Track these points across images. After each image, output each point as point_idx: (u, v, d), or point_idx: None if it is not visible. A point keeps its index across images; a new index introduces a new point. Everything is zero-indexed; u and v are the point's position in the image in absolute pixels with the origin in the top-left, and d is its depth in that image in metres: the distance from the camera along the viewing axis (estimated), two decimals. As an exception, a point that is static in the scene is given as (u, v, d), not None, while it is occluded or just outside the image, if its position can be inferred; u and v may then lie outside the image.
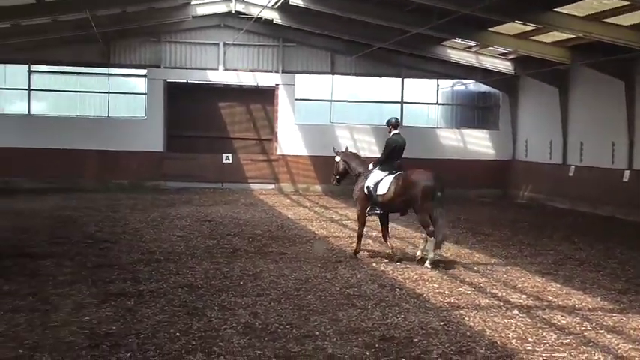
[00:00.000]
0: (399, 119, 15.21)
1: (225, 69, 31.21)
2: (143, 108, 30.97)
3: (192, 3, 28.45)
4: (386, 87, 32.50)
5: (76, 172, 29.96)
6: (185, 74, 31.24)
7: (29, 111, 30.40)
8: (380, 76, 32.26)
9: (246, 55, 31.47)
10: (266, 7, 25.91)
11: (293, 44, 31.48)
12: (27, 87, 30.40)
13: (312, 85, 32.13)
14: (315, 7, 25.09)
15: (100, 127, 30.31)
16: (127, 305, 10.08)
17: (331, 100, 32.12)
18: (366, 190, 14.60)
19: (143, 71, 30.92)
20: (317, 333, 8.95)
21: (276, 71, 31.48)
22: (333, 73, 31.96)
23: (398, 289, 11.62)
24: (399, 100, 32.32)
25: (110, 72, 31.16)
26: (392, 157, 14.67)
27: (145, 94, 30.97)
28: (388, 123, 14.97)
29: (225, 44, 31.00)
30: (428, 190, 14.01)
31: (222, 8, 29.66)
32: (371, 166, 14.94)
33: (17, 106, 30.68)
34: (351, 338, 8.75)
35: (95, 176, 30.08)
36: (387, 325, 9.44)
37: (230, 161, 31.11)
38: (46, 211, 21.45)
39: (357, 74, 32.07)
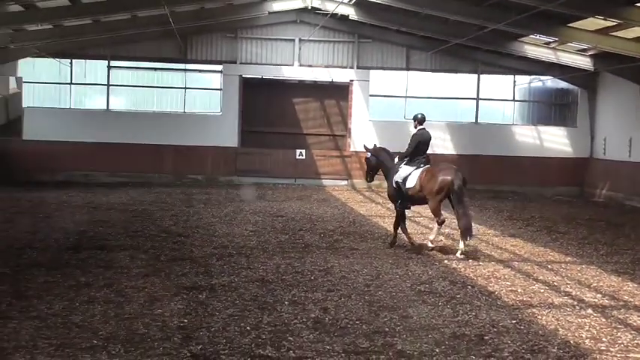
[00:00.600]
0: (425, 115, 15.68)
1: (300, 65, 31.31)
2: (218, 103, 31.28)
3: (268, -1, 28.66)
4: (461, 83, 32.19)
5: (153, 167, 30.49)
6: (260, 70, 31.44)
7: (108, 106, 30.99)
8: (456, 72, 31.97)
9: (322, 51, 31.53)
10: (342, 2, 25.89)
11: (368, 40, 31.42)
12: (106, 82, 30.99)
13: (387, 81, 32.00)
14: (391, 3, 25.03)
15: (176, 122, 30.72)
16: (198, 299, 10.20)
17: (406, 97, 31.95)
18: (394, 185, 15.15)
19: (219, 67, 31.22)
20: (387, 329, 8.92)
21: (351, 67, 31.46)
22: (408, 69, 31.79)
23: (469, 287, 11.51)
24: (475, 97, 31.99)
25: (187, 68, 31.54)
26: (418, 151, 15.21)
27: (220, 89, 31.28)
28: (414, 118, 15.63)
29: (300, 40, 31.09)
30: (444, 183, 14.46)
31: (298, 4, 29.75)
32: (396, 160, 15.54)
33: (96, 101, 31.30)
34: (421, 335, 8.70)
35: (171, 171, 30.55)
36: (458, 322, 9.36)
37: (303, 157, 31.22)
38: (122, 204, 21.84)
39: (432, 70, 31.86)
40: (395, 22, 28.59)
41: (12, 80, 30.56)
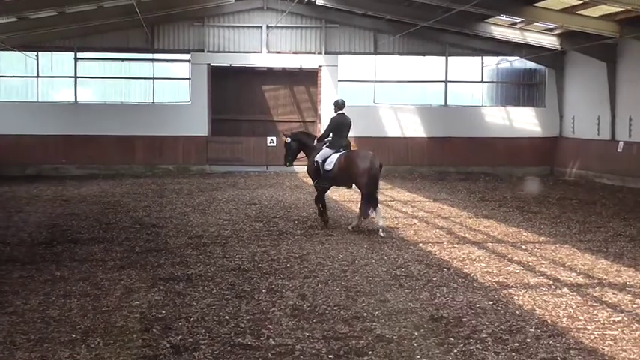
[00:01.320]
0: (344, 101, 16.48)
1: (269, 52, 31.23)
2: (187, 93, 31.15)
3: (234, -14, 28.54)
4: (430, 66, 32.28)
5: (123, 158, 30.33)
6: (228, 58, 31.31)
7: (76, 98, 30.74)
8: (424, 55, 32.05)
9: (289, 37, 31.46)
10: (308, -12, 25.90)
11: (336, 25, 31.40)
12: (73, 74, 30.73)
13: (356, 65, 32.01)
14: (357, -13, 25.05)
15: (146, 113, 30.56)
16: (176, 289, 10.18)
17: (375, 81, 31.99)
18: (314, 164, 15.92)
19: (187, 56, 31.07)
20: (365, 314, 8.96)
21: (319, 53, 31.42)
22: (376, 53, 31.81)
23: (445, 269, 11.58)
24: (444, 79, 32.09)
25: (154, 57, 31.35)
26: (337, 135, 15.93)
27: (188, 79, 31.13)
28: (334, 103, 16.29)
29: (268, 27, 31.00)
30: (365, 169, 15.12)
31: (264, -9, 29.70)
32: (315, 142, 16.44)
33: (64, 93, 31.04)
34: (400, 319, 8.75)
35: (141, 162, 30.41)
36: (436, 305, 9.42)
37: (274, 144, 31.16)
38: (94, 197, 21.72)
39: (400, 54, 31.91)
40: (361, 6, 28.63)
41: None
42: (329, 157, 15.76)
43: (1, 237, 14.49)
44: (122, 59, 31.36)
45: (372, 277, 10.98)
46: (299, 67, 31.80)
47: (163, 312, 9.03)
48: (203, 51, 30.96)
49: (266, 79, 32.88)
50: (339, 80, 31.41)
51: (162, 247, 13.45)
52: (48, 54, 30.81)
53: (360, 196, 15.64)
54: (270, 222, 16.75)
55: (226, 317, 8.81)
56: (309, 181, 27.19)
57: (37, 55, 30.46)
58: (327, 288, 10.30)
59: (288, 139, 16.92)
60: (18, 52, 29.50)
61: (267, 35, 31.05)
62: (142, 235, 14.81)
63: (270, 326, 8.45)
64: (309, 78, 32.24)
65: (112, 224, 16.33)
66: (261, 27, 31.12)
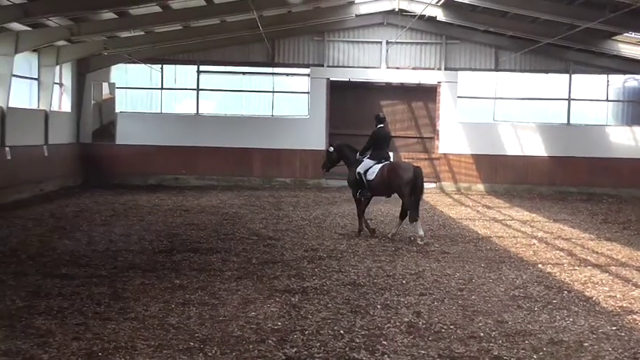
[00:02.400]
0: (384, 115, 18.25)
1: (388, 67, 31.22)
2: (306, 106, 31.43)
3: (355, 2, 28.62)
4: (552, 83, 31.60)
5: (241, 170, 30.84)
6: (347, 73, 31.45)
7: (197, 110, 31.46)
8: (546, 73, 31.40)
9: (409, 52, 31.38)
10: (429, 4, 25.70)
11: (456, 41, 31.14)
12: (195, 87, 31.48)
13: (475, 82, 31.63)
14: (479, 4, 24.79)
15: (265, 126, 30.94)
16: (291, 302, 10.27)
17: (495, 98, 31.56)
18: (357, 176, 17.02)
19: (306, 70, 31.37)
20: (482, 334, 8.83)
21: (439, 69, 31.22)
22: (496, 70, 31.37)
23: (566, 292, 11.30)
24: (566, 97, 31.38)
25: (274, 71, 31.78)
26: (378, 147, 17.17)
27: (307, 92, 31.43)
28: (376, 117, 17.53)
29: (387, 42, 31.01)
30: (408, 180, 16.31)
31: (385, 6, 29.66)
32: (358, 155, 17.40)
33: (186, 105, 31.80)
34: (518, 341, 8.58)
35: (259, 174, 30.83)
36: (555, 328, 9.20)
37: (391, 159, 31.07)
38: (213, 207, 22.14)
39: (521, 71, 31.37)
40: (483, 22, 28.29)
41: (105, 86, 31.38)
42: (371, 167, 16.87)
43: (123, 245, 14.94)
44: (243, 73, 31.90)
45: (489, 297, 10.81)
46: (418, 82, 31.68)
47: (279, 324, 9.11)
48: (322, 65, 31.22)
49: (384, 94, 32.85)
50: (458, 97, 31.13)
51: (279, 260, 13.60)
52: (172, 67, 31.62)
53: (402, 205, 16.79)
54: (386, 237, 16.71)
55: (341, 332, 8.83)
56: (425, 196, 27.06)
57: (161, 68, 31.34)
58: (443, 306, 10.20)
59: (332, 149, 18.13)
60: (143, 65, 30.43)
61: (387, 51, 31.05)
62: (259, 247, 15.02)
63: (385, 342, 8.42)
64: (427, 94, 32.06)
65: (229, 235, 16.62)
66: (380, 42, 31.16)
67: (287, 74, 31.94)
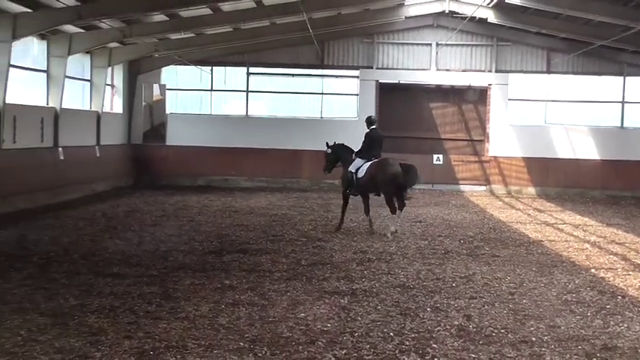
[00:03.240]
0: (374, 117, 18.77)
1: (438, 69, 31.09)
2: (355, 108, 31.40)
3: (405, 4, 28.55)
4: (605, 86, 31.17)
5: (290, 172, 30.94)
6: (397, 75, 31.36)
7: (247, 112, 31.62)
8: (599, 75, 31.01)
9: (459, 54, 31.22)
10: (480, 5, 25.54)
11: (507, 43, 30.90)
12: (245, 89, 31.65)
13: (527, 84, 31.35)
14: (531, 5, 24.56)
15: (314, 128, 30.95)
16: (340, 303, 10.26)
17: (546, 100, 31.24)
18: (349, 175, 17.80)
19: (356, 72, 31.36)
20: (534, 339, 8.74)
21: (489, 71, 31.01)
22: (548, 72, 31.07)
23: (620, 297, 11.13)
24: (620, 100, 30.94)
25: (324, 73, 31.81)
26: (371, 148, 17.81)
27: (357, 94, 31.41)
28: (367, 120, 18.29)
29: (437, 44, 30.88)
30: (391, 175, 16.99)
31: (435, 8, 29.52)
32: (354, 155, 18.12)
33: (236, 106, 31.99)
34: (571, 346, 8.48)
35: (308, 176, 30.85)
36: (609, 334, 9.07)
37: (441, 162, 30.99)
38: (262, 208, 22.25)
39: (574, 73, 31.01)
40: (535, 24, 28.02)
41: (156, 87, 31.79)
42: (361, 166, 17.60)
43: (174, 245, 15.07)
44: (292, 74, 31.99)
45: (540, 302, 10.70)
46: (468, 85, 31.49)
47: (328, 325, 9.11)
48: (372, 67, 31.19)
49: (434, 96, 32.69)
50: (509, 99, 30.90)
51: (328, 261, 13.60)
52: (221, 68, 31.83)
53: (385, 200, 17.42)
54: (435, 240, 16.66)
55: (391, 334, 8.80)
56: (475, 199, 26.95)
57: (211, 70, 31.57)
58: (494, 310, 10.12)
59: (329, 150, 18.89)
60: (194, 67, 30.68)
61: (437, 53, 30.92)
62: (308, 249, 15.05)
63: (435, 345, 8.38)
64: (478, 96, 31.86)
65: (278, 236, 16.68)
66: (430, 44, 31.04)
67: (336, 76, 31.96)
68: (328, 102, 31.91)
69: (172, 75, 31.67)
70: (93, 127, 26.78)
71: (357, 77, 31.32)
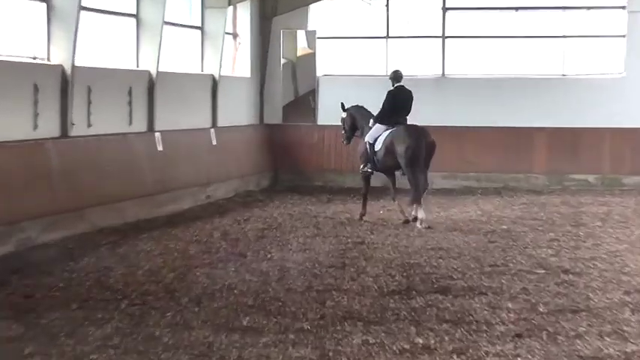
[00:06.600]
0: (401, 71, 20.40)
1: None
2: (621, 59, 30.72)
3: None
4: None
5: (514, 162, 30.60)
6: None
7: (443, 70, 31.43)
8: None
9: None
10: None
11: None
12: (440, 34, 31.49)
13: None
14: None
15: (551, 92, 30.53)
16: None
17: None
18: (367, 146, 19.92)
19: (622, 1, 30.57)
20: None
21: None
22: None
23: None
24: None
25: (566, 4, 31.25)
26: (394, 112, 19.83)
27: (622, 36, 30.64)
28: (392, 75, 20.38)
29: None
30: (407, 148, 19.18)
31: None
32: (371, 121, 20.19)
33: (425, 62, 31.81)
34: None
35: (543, 169, 30.58)
36: None
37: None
38: (471, 222, 22.34)
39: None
40: None
41: (302, 35, 31.86)
42: (380, 135, 19.64)
43: (333, 281, 15.12)
44: (515, 8, 31.46)
45: None
46: None
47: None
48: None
49: None
50: None
51: (583, 307, 13.28)
52: (402, 1, 31.74)
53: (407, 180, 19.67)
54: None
55: None
56: None
57: (386, 4, 31.49)
58: None
59: (344, 114, 21.28)
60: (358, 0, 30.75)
61: None
62: (549, 286, 14.79)
63: None
64: None
65: (499, 267, 16.51)
66: None
67: (588, 7, 31.25)
68: (573, 50, 31.26)
69: (325, 16, 31.84)
70: (207, 99, 27.19)
71: (624, 8, 30.51)
